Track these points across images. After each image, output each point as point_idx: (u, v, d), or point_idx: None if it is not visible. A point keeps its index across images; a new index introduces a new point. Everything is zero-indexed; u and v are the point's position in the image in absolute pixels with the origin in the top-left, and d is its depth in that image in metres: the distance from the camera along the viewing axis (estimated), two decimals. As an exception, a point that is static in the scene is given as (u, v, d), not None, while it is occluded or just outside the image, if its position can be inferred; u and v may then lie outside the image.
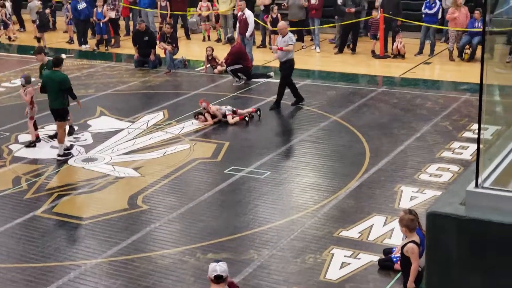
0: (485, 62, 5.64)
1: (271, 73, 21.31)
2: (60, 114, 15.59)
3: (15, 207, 13.29)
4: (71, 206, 13.31)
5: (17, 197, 13.70)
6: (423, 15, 23.80)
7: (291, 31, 24.97)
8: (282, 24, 19.48)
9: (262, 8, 25.44)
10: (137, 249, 11.58)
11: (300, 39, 25.09)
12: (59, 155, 15.54)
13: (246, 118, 17.44)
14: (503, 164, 5.79)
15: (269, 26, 24.55)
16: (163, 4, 26.79)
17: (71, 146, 15.95)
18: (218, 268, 8.11)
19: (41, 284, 10.67)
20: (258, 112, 17.75)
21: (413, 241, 9.38)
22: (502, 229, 5.08)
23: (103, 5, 26.13)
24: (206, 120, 17.44)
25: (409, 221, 9.48)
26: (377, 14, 23.56)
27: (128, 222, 12.56)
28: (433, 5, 23.44)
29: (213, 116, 17.48)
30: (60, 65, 15.64)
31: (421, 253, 9.18)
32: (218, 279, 8.13)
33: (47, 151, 16.02)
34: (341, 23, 24.10)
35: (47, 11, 28.60)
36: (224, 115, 17.50)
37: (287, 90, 18.64)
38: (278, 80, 19.01)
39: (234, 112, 17.51)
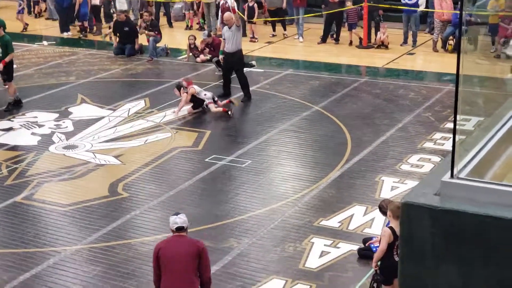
0: (464, 53, 5.65)
1: (253, 62, 21.29)
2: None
3: (-5, 193, 13.27)
4: (52, 193, 13.26)
5: (-3, 183, 13.68)
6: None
7: (271, 21, 25.16)
8: (228, 14, 19.01)
9: None
10: (117, 236, 11.59)
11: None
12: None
13: (229, 112, 17.29)
14: (479, 155, 5.79)
15: (244, 16, 24.43)
16: None
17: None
18: (179, 220, 8.52)
19: (21, 269, 10.67)
20: (230, 113, 17.31)
21: (391, 227, 9.37)
22: (476, 220, 5.09)
23: None
24: (180, 96, 17.49)
25: (395, 208, 9.43)
26: (351, 4, 23.49)
27: (108, 209, 12.56)
28: (413, -6, 23.46)
29: (192, 100, 17.43)
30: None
31: None
32: (180, 230, 8.52)
33: (28, 138, 15.96)
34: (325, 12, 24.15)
35: None
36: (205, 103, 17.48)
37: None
38: (260, 70, 18.90)
39: (215, 101, 17.41)
